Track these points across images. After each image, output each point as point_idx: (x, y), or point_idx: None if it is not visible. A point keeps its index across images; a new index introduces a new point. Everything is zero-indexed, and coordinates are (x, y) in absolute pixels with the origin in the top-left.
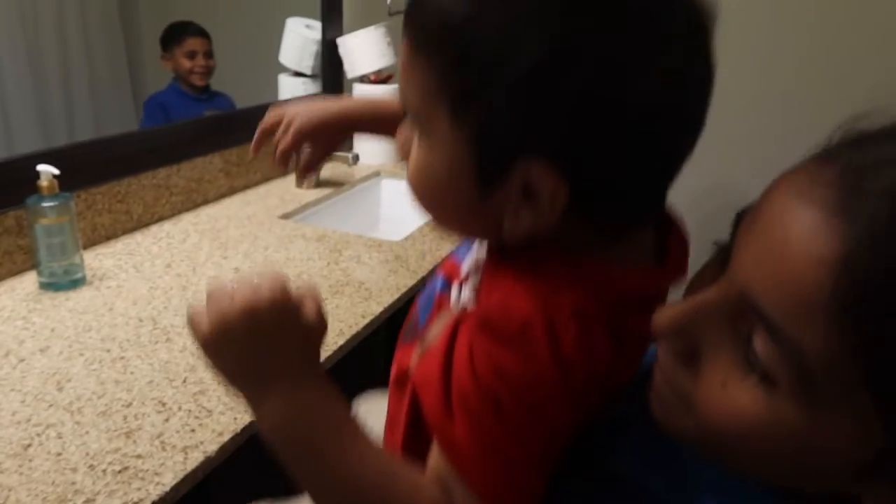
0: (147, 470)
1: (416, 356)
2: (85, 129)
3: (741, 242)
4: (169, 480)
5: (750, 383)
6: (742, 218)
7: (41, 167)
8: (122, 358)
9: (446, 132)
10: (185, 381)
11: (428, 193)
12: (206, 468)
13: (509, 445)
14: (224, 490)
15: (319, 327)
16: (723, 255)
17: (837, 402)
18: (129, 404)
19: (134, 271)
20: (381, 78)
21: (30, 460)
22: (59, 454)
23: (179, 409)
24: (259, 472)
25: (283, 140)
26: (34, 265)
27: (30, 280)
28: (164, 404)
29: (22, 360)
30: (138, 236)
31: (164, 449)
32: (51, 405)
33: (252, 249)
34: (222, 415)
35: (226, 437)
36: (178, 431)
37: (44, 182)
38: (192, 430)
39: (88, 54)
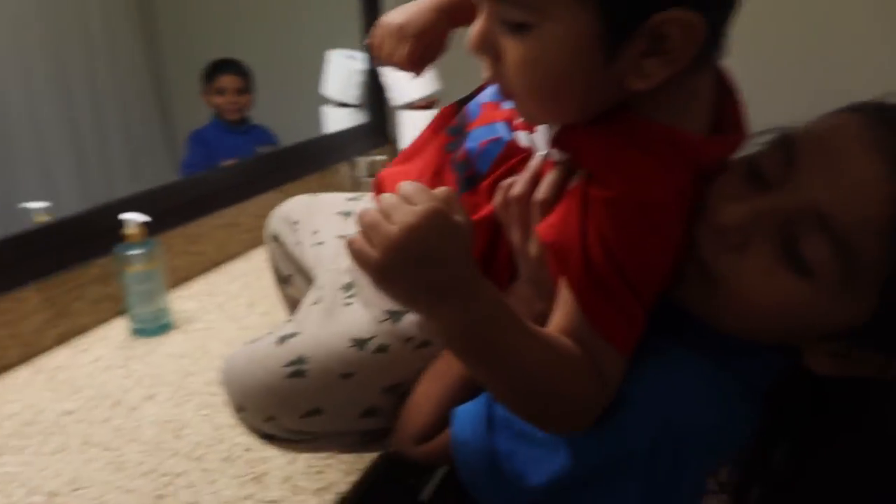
0: None
1: (498, 198)
2: (121, 173)
3: (807, 167)
4: None
5: (789, 274)
6: (787, 142)
7: (129, 215)
8: None
9: (565, 12)
10: None
11: (542, 80)
12: None
13: (634, 304)
14: None
15: (468, 227)
16: (753, 168)
17: (858, 294)
18: (249, 449)
19: (217, 312)
20: (426, 104)
21: None
22: None
23: None
24: None
25: (401, 52)
26: (120, 312)
27: (119, 327)
28: None
29: (133, 409)
30: (213, 276)
31: (296, 493)
32: (174, 454)
33: None
34: (345, 454)
35: (354, 477)
36: (304, 473)
37: (132, 230)
38: (320, 472)
39: (120, 101)
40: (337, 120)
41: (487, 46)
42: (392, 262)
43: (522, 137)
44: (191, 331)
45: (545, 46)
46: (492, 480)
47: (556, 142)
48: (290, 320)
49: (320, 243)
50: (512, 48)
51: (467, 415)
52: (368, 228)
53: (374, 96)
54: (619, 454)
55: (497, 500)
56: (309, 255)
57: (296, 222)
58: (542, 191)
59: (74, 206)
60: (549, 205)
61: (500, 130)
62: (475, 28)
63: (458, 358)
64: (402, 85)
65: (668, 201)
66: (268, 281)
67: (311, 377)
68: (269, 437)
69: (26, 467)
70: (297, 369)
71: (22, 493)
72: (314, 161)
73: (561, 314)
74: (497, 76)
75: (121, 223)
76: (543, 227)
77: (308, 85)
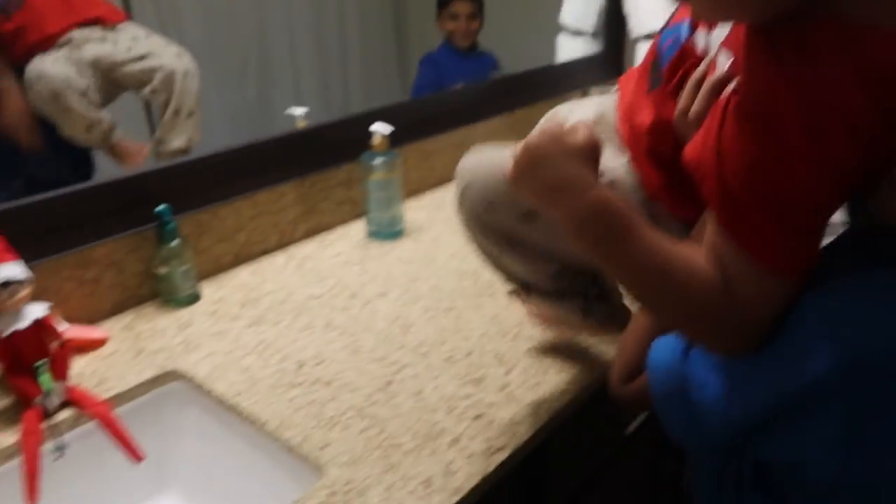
0: (502, 419)
1: (678, 113)
2: (357, 92)
3: None
4: (524, 432)
5: None
6: None
7: (377, 126)
8: (453, 308)
9: None
10: (516, 337)
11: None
12: (553, 425)
13: (767, 222)
14: (559, 449)
15: (587, 146)
16: None
17: None
18: (470, 353)
19: (444, 225)
20: None
21: (394, 396)
22: (418, 393)
23: (517, 363)
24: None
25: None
26: (359, 215)
27: (357, 229)
28: (501, 357)
29: (367, 303)
30: (441, 192)
31: (509, 400)
32: (401, 347)
33: None
34: (559, 374)
35: (569, 396)
36: (520, 386)
37: (378, 140)
38: (536, 385)
39: (362, 24)
40: (571, 49)
41: None
42: (516, 171)
43: (700, 39)
44: (419, 239)
45: None
46: (682, 409)
47: (725, 43)
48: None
49: None
50: None
51: (666, 343)
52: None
53: (612, 26)
54: (806, 382)
55: (687, 433)
56: None
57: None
58: (695, 105)
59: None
60: (700, 120)
61: (682, 31)
62: None
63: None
64: (644, 14)
65: (806, 119)
66: None
67: None
68: (484, 230)
69: (280, 338)
70: None
71: (277, 358)
72: (544, 89)
73: (709, 228)
74: None
75: (368, 134)
76: (689, 146)
77: (544, 11)
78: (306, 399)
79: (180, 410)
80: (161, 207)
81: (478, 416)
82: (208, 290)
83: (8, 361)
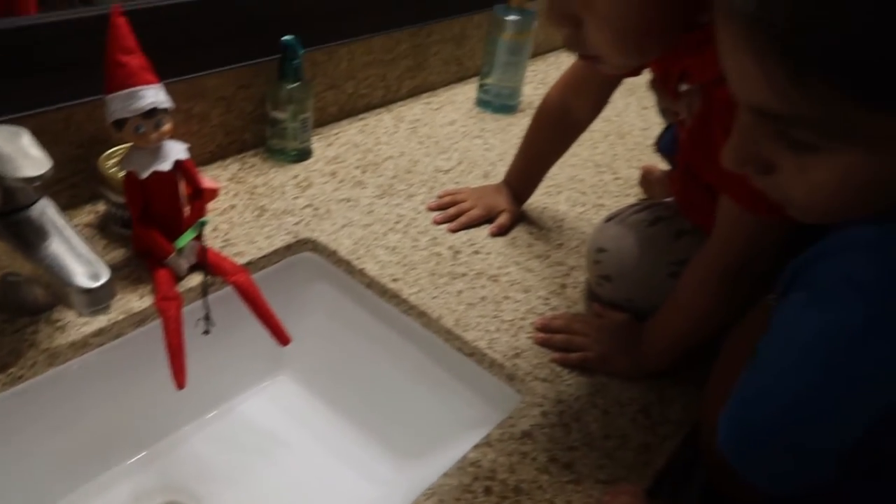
0: None
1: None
2: None
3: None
4: None
5: (812, 159)
6: None
7: None
8: (602, 206)
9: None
10: None
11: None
12: None
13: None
14: None
15: None
16: None
17: (857, 129)
18: None
19: None
20: None
21: (573, 303)
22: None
23: None
24: None
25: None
26: (462, 78)
27: (462, 95)
28: None
29: None
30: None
31: None
32: (559, 245)
33: None
34: None
35: None
36: None
37: None
38: None
39: None
40: None
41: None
42: None
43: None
44: None
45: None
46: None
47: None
48: None
49: None
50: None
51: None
52: None
53: None
54: None
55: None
56: None
57: None
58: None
59: None
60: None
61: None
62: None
63: None
64: None
65: None
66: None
67: None
68: None
69: (420, 216)
70: None
71: (426, 240)
72: None
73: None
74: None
75: None
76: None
77: None
78: (475, 295)
79: (309, 285)
80: (288, 38)
81: None
82: (316, 145)
83: (139, 209)
